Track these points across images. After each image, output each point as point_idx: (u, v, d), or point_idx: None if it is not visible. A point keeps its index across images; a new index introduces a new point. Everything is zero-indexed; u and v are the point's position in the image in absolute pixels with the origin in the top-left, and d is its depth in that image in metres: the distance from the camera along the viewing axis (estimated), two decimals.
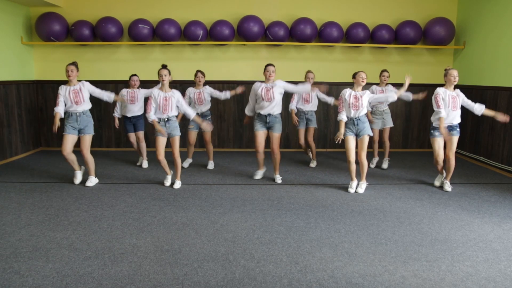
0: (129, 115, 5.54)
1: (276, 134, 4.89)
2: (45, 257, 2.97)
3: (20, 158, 6.32)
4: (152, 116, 4.59)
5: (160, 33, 6.37)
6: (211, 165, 5.76)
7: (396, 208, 4.14)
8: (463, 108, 4.65)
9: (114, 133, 6.95)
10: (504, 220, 3.83)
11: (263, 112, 4.84)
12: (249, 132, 6.99)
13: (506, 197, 4.54)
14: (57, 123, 4.59)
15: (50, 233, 3.42)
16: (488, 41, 6.06)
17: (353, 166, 4.61)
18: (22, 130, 6.45)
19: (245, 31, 6.37)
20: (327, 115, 7.00)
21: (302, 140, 5.77)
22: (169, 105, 4.57)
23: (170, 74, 4.63)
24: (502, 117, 4.54)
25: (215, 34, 6.38)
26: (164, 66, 4.64)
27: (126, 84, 5.98)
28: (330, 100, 5.70)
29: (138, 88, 5.60)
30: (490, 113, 4.60)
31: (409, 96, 5.57)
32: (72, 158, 4.75)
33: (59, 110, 4.62)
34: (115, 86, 6.74)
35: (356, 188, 4.67)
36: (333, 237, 3.39)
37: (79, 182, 4.86)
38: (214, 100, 6.88)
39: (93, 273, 2.75)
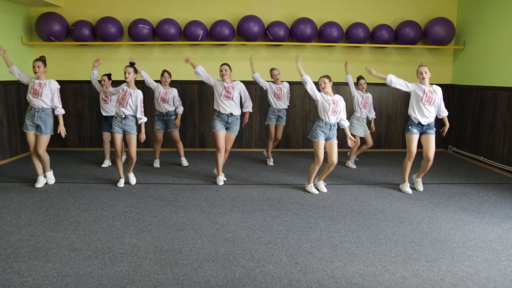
0: (104, 114, 5.58)
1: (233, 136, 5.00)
2: (45, 257, 2.97)
3: (20, 158, 6.32)
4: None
5: (160, 33, 6.37)
6: (184, 161, 5.87)
7: (396, 208, 4.14)
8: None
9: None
10: (504, 220, 3.83)
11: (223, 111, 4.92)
12: (248, 131, 6.99)
13: (506, 197, 4.54)
14: (3, 54, 4.60)
15: (50, 233, 3.42)
16: (487, 41, 6.06)
17: (318, 168, 4.52)
18: (22, 130, 6.45)
19: (245, 31, 6.37)
20: None
21: (273, 136, 5.90)
22: (125, 100, 4.60)
23: (136, 72, 4.68)
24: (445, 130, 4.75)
25: (215, 34, 6.38)
26: (131, 64, 4.69)
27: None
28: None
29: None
30: (446, 123, 4.71)
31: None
32: (41, 159, 4.68)
33: (11, 67, 4.62)
34: (115, 86, 6.71)
35: (318, 188, 4.70)
36: (333, 237, 3.39)
37: (41, 186, 4.76)
38: (212, 100, 6.87)
39: (93, 273, 2.75)
